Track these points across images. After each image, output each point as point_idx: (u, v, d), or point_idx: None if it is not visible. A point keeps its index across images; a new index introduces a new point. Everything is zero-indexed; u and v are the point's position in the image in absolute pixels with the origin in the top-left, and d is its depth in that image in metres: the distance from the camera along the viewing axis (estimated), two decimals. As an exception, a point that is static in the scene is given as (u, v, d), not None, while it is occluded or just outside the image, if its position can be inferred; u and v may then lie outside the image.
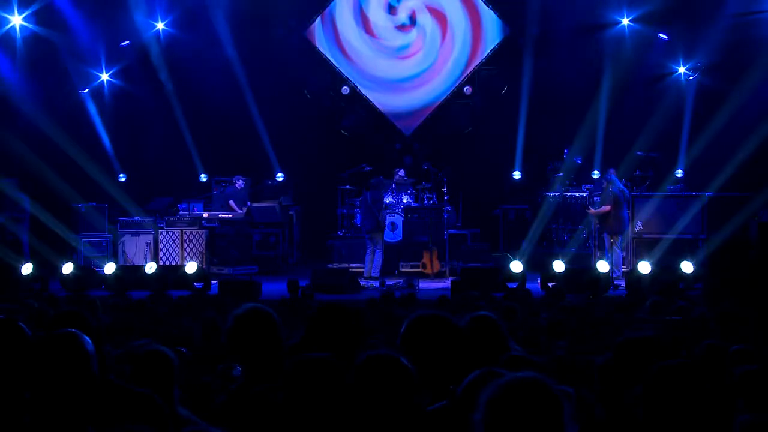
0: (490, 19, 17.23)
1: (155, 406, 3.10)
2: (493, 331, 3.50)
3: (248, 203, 15.32)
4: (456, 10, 17.28)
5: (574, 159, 15.25)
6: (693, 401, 3.14)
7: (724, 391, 3.91)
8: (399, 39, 17.49)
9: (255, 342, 3.24)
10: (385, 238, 14.29)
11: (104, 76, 16.95)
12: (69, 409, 2.71)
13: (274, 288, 11.71)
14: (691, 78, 15.91)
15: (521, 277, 11.66)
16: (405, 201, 15.43)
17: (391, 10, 17.39)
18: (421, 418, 2.70)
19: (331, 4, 17.47)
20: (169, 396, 3.38)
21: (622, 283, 12.00)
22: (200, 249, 14.45)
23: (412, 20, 17.40)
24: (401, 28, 17.45)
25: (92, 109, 16.64)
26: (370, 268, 13.84)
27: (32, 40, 15.62)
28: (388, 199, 15.05)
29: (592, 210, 13.66)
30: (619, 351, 3.33)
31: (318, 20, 17.51)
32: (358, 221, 15.38)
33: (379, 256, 13.77)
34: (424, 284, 13.01)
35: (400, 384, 2.62)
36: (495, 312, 4.69)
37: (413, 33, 17.44)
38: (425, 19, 17.35)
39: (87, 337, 2.86)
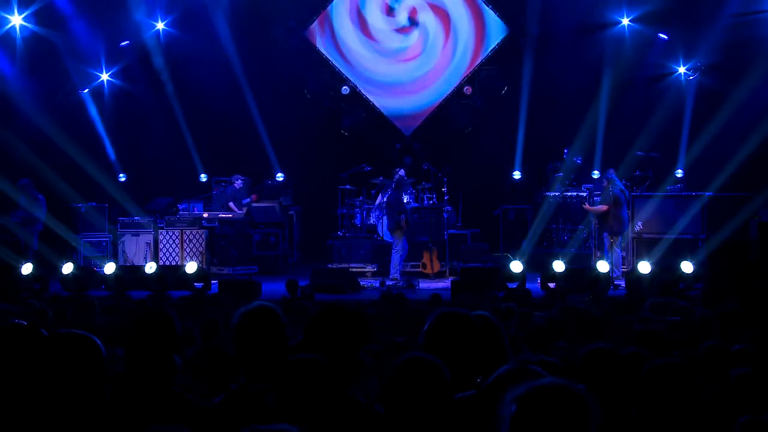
0: (492, 18, 17.23)
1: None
2: (491, 330, 3.51)
3: (244, 201, 15.27)
4: (458, 8, 17.27)
5: (574, 159, 15.26)
6: (683, 400, 3.15)
7: (724, 391, 3.92)
8: (398, 41, 17.47)
9: (260, 339, 3.24)
10: (385, 238, 14.22)
11: (104, 76, 16.96)
12: (68, 411, 2.70)
13: (274, 288, 11.68)
14: (691, 78, 15.92)
15: (521, 277, 11.64)
16: (405, 201, 15.39)
17: (390, 12, 17.38)
18: (450, 405, 2.85)
19: (329, 7, 17.46)
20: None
21: (622, 283, 11.98)
22: (200, 249, 14.44)
23: (412, 21, 17.38)
24: (401, 30, 17.44)
25: (92, 109, 16.66)
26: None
27: (32, 40, 15.62)
28: (405, 198, 14.94)
29: (587, 206, 13.67)
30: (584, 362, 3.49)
31: (316, 23, 17.50)
32: (383, 222, 15.23)
33: (396, 257, 13.67)
34: (424, 284, 13.01)
35: (437, 384, 2.77)
36: (494, 312, 4.69)
37: (414, 34, 17.42)
38: (428, 18, 17.33)
39: (99, 341, 2.84)
